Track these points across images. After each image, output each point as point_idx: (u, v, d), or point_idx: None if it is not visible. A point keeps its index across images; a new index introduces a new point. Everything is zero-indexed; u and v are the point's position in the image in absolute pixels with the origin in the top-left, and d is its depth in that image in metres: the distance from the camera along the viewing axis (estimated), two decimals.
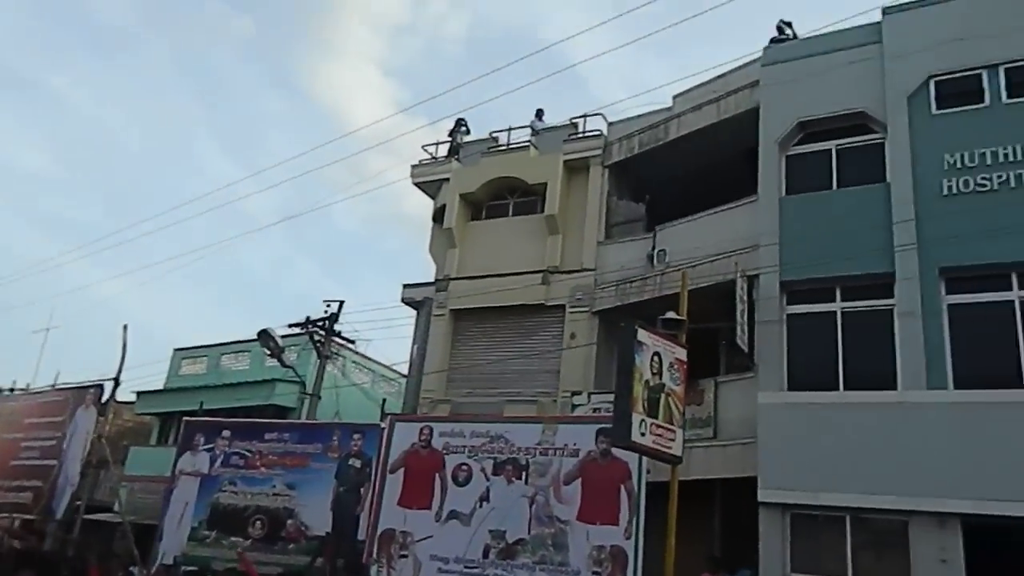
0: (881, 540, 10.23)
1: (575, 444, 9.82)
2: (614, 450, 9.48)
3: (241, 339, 23.53)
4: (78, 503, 16.68)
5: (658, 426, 7.89)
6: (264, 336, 14.98)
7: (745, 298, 11.61)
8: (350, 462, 11.85)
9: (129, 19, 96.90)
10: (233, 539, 12.03)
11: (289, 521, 11.82)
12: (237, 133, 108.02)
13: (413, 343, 17.06)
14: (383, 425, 12.15)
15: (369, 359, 22.42)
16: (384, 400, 16.65)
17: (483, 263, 16.25)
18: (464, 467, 10.44)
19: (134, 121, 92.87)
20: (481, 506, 10.13)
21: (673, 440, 8.21)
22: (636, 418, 7.64)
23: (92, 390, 17.38)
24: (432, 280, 17.21)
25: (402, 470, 10.90)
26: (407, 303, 17.24)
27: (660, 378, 8.12)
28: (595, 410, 13.25)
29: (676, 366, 8.44)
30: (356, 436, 12.01)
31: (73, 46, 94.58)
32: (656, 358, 8.12)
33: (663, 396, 8.09)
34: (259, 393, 20.71)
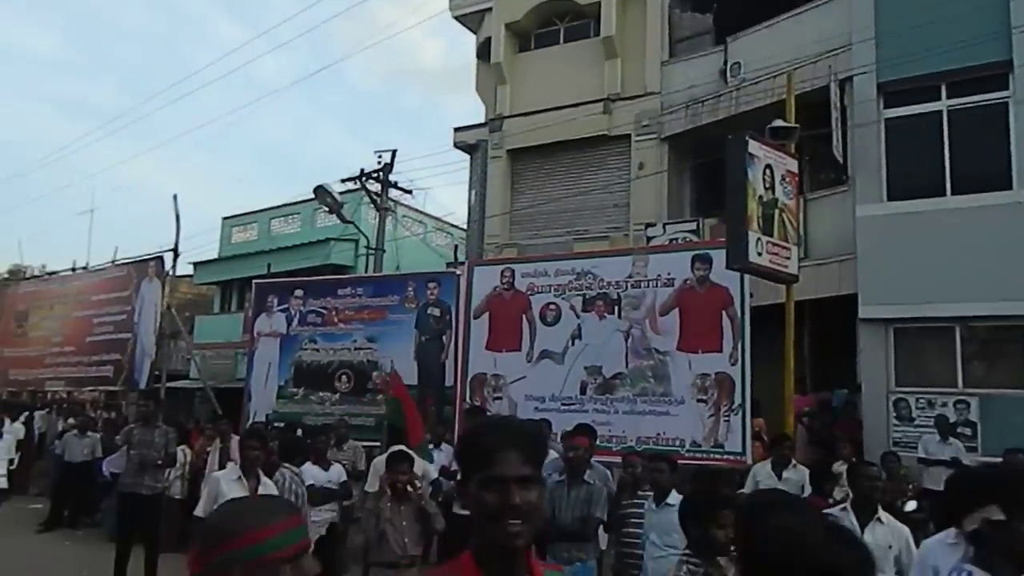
0: (994, 348, 9.84)
1: (669, 274, 9.32)
2: (712, 276, 8.98)
3: (289, 202, 23.20)
4: (157, 373, 16.99)
5: (773, 244, 7.31)
6: (321, 192, 14.43)
7: (839, 105, 10.67)
8: (429, 311, 11.59)
9: None
10: (321, 394, 12.07)
11: (375, 373, 11.75)
12: None
13: (470, 189, 16.47)
14: (459, 272, 11.76)
15: (421, 211, 21.93)
16: (456, 247, 16.23)
17: (537, 97, 15.26)
18: (552, 306, 10.07)
19: None
20: (573, 344, 9.83)
21: (789, 258, 7.66)
22: (752, 237, 7.06)
23: (153, 262, 17.24)
24: (484, 121, 16.35)
25: (486, 314, 10.59)
26: (460, 147, 16.48)
27: (773, 192, 7.45)
28: (672, 240, 12.73)
29: (788, 179, 7.73)
30: (432, 285, 11.66)
31: None
32: (768, 171, 7.40)
33: (777, 212, 7.45)
34: (315, 254, 20.51)
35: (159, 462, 8.15)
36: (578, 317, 9.89)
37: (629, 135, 14.26)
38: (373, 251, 15.50)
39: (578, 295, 9.93)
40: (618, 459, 8.57)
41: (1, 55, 77.73)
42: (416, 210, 21.25)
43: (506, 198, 15.53)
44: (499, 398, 10.26)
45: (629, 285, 9.62)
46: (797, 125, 8.23)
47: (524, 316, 10.28)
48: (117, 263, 18.58)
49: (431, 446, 9.13)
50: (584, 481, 5.02)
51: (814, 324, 12.32)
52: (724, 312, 8.86)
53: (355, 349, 12.02)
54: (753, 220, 7.08)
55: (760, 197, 7.24)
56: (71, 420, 14.44)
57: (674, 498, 4.84)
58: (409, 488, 4.75)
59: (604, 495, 4.95)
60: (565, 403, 9.72)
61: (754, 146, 7.23)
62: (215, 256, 24.40)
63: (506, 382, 10.26)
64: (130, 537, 8.03)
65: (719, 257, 9.04)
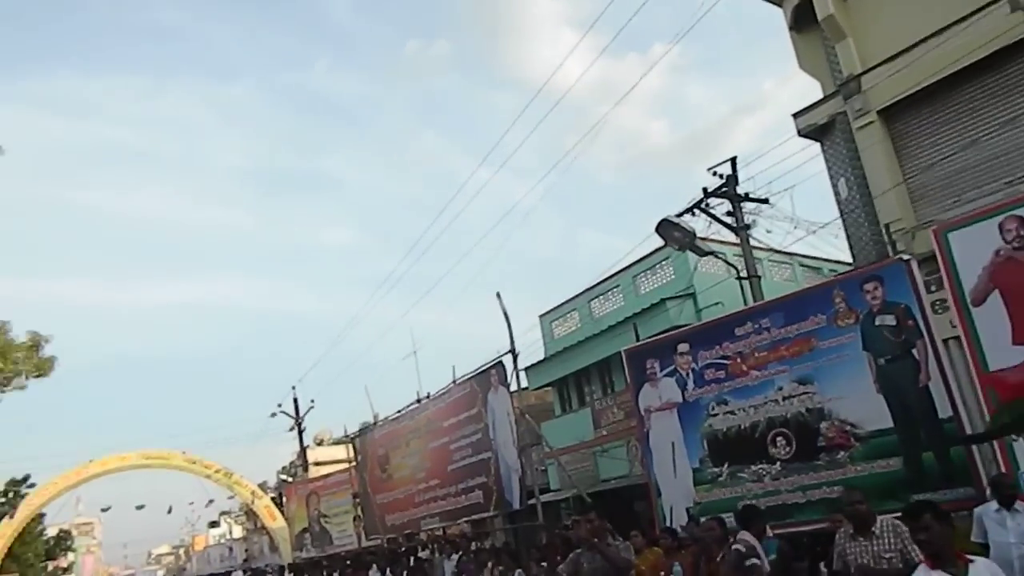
0: None
1: None
2: None
3: (603, 277, 21.23)
4: (530, 488, 15.29)
5: None
6: (666, 226, 11.90)
7: None
8: (876, 323, 8.26)
9: (356, 92, 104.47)
10: (755, 468, 9.06)
11: (823, 424, 8.53)
12: (485, 141, 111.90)
13: (833, 180, 13.07)
14: (907, 256, 8.39)
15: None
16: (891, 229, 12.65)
17: (899, 33, 11.69)
18: None
19: (401, 171, 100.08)
20: None
21: None
22: None
23: (494, 371, 15.94)
24: (823, 96, 13.06)
25: (995, 293, 7.06)
26: (806, 135, 13.24)
27: None
28: None
29: None
30: (870, 286, 8.34)
31: (328, 130, 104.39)
32: None
33: None
34: (652, 321, 18.05)
35: None
36: None
37: None
38: (740, 282, 12.50)
39: None
40: None
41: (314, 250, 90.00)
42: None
43: (893, 170, 11.87)
44: None
45: None
46: None
47: None
48: (458, 381, 17.55)
49: None
50: None
51: None
52: None
53: (784, 399, 8.97)
54: None
55: None
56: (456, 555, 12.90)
57: None
58: None
59: None
60: None
61: None
62: (542, 357, 22.97)
63: None
64: None
65: None
